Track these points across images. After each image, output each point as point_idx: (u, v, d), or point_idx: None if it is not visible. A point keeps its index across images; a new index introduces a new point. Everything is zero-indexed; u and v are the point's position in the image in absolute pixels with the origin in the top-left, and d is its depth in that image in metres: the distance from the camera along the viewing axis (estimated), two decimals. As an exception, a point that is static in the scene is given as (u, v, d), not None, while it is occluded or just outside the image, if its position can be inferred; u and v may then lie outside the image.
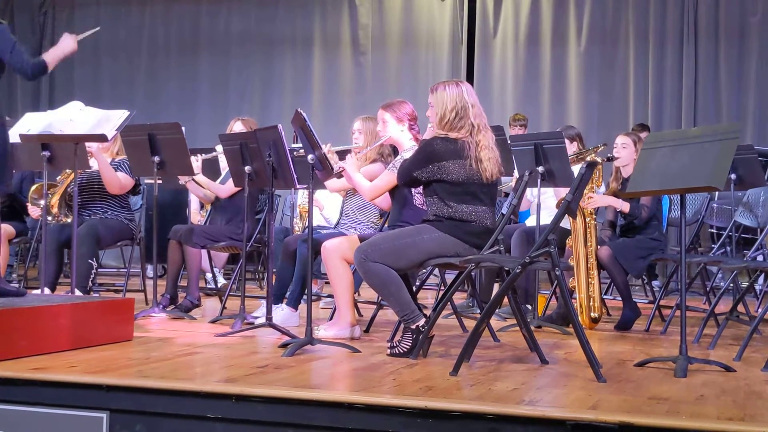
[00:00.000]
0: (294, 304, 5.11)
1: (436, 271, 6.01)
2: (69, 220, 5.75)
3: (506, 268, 4.27)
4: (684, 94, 9.27)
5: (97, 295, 5.87)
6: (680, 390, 3.36)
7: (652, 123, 9.09)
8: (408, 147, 4.83)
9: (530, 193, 5.76)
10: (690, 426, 2.75)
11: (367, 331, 4.97)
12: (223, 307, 5.61)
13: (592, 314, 5.33)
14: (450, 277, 5.78)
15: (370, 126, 5.24)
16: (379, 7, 10.28)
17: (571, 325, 4.63)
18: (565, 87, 9.65)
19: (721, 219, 7.41)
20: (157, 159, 5.41)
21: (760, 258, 5.67)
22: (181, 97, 10.72)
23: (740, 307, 5.36)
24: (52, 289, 5.58)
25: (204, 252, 6.26)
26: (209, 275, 7.43)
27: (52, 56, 4.66)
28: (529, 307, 5.43)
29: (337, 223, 5.59)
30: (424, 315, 4.15)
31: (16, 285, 5.69)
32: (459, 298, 6.24)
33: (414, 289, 4.70)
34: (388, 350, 4.09)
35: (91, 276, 5.59)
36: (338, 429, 3.00)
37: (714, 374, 3.77)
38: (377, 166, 5.07)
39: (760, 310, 5.24)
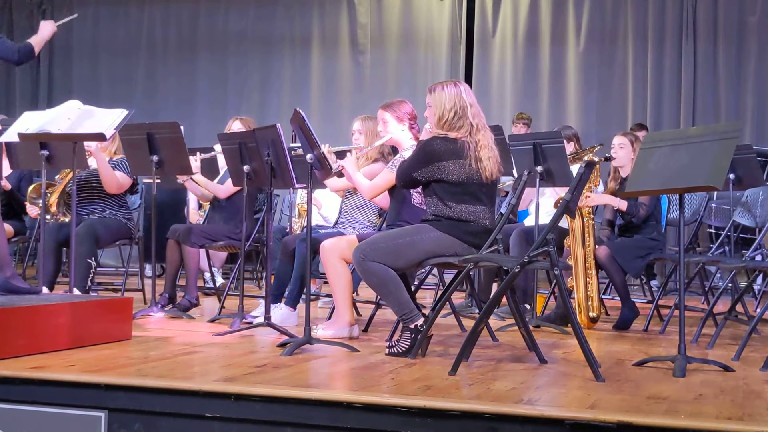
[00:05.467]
0: (292, 304, 5.10)
1: (435, 270, 6.00)
2: (67, 219, 5.75)
3: (505, 268, 4.28)
4: (683, 94, 9.28)
5: (96, 294, 5.86)
6: (679, 389, 3.36)
7: (651, 122, 9.10)
8: (408, 146, 4.83)
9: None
10: (689, 425, 2.75)
11: (365, 330, 4.97)
12: (222, 307, 5.61)
13: (591, 314, 5.34)
14: (449, 276, 5.79)
15: (369, 126, 5.23)
16: (377, 6, 10.28)
17: (569, 325, 4.63)
18: (563, 86, 9.65)
19: (719, 219, 7.41)
20: (155, 158, 5.40)
21: (758, 258, 5.68)
22: (180, 96, 10.72)
23: (739, 307, 5.36)
24: (51, 288, 5.57)
25: (202, 251, 6.26)
26: (208, 275, 7.43)
27: (36, 41, 5.10)
28: (528, 306, 5.43)
29: (336, 223, 5.59)
30: (423, 314, 4.15)
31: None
32: (458, 297, 6.24)
33: (413, 288, 4.70)
34: (387, 350, 4.09)
35: (90, 275, 5.59)
36: (337, 428, 3.00)
37: (713, 374, 3.77)
38: (379, 165, 5.07)
39: (758, 309, 5.24)
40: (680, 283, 3.94)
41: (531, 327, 4.47)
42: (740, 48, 9.20)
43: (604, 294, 6.52)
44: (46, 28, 5.37)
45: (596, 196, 5.50)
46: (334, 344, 4.22)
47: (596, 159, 5.41)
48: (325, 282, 5.98)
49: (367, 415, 2.97)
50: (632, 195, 5.03)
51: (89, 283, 5.60)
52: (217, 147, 5.75)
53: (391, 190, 4.82)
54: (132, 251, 6.36)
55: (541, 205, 5.50)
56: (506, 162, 5.36)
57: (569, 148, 5.93)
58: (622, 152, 5.59)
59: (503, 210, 5.97)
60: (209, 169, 6.11)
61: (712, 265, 5.98)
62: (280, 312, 5.04)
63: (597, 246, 5.37)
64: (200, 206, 7.06)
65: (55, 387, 3.28)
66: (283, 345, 4.17)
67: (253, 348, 4.30)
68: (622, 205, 5.41)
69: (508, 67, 9.84)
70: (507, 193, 6.97)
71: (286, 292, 5.16)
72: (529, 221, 5.97)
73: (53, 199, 5.81)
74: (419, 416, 2.93)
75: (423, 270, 5.41)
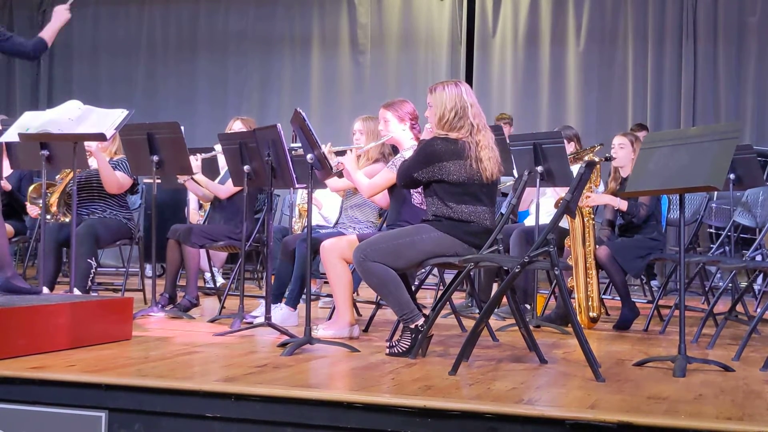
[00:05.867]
0: (293, 304, 5.10)
1: (435, 270, 6.01)
2: (68, 220, 5.75)
3: (505, 268, 4.28)
4: (683, 94, 9.27)
5: (96, 294, 5.86)
6: (679, 389, 3.36)
7: (651, 123, 9.10)
8: (408, 146, 4.83)
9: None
10: (689, 425, 2.75)
11: (366, 330, 4.97)
12: (222, 307, 5.61)
13: (591, 314, 5.34)
14: (449, 276, 5.79)
15: (370, 126, 5.23)
16: (377, 6, 10.27)
17: (570, 325, 4.63)
18: (563, 87, 9.65)
19: (719, 219, 7.41)
20: (156, 158, 5.40)
21: (758, 258, 5.68)
22: (180, 96, 10.71)
23: (739, 307, 5.36)
24: (51, 289, 5.57)
25: (203, 251, 6.26)
26: (208, 275, 7.43)
27: (49, 32, 5.04)
28: (528, 306, 5.43)
29: (336, 223, 5.59)
30: (423, 314, 4.15)
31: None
32: (458, 297, 6.24)
33: (413, 288, 4.70)
34: (387, 350, 4.09)
35: (90, 275, 5.59)
36: (337, 428, 3.00)
37: (713, 374, 3.77)
38: (379, 165, 5.06)
39: (758, 309, 5.24)
40: (680, 283, 3.94)
41: (531, 327, 4.47)
42: (740, 48, 9.19)
43: (604, 294, 6.52)
44: (62, 15, 5.13)
45: (597, 196, 5.50)
46: (334, 344, 4.22)
47: (596, 159, 5.41)
48: (326, 282, 5.99)
49: (367, 415, 2.97)
50: (632, 195, 5.03)
51: (89, 283, 5.60)
52: (218, 147, 5.75)
53: (391, 190, 4.83)
54: (132, 251, 6.36)
55: (542, 205, 5.50)
56: (506, 162, 5.36)
57: (570, 148, 5.93)
58: (623, 152, 5.59)
59: (503, 210, 5.98)
60: (210, 169, 6.12)
61: (713, 265, 5.98)
62: (280, 312, 5.04)
63: (597, 246, 5.37)
64: (201, 206, 7.06)
65: (56, 387, 3.28)
66: (283, 345, 4.17)
67: (254, 348, 4.30)
68: (623, 205, 5.41)
69: (508, 68, 9.84)
70: (505, 194, 6.96)
71: (287, 292, 5.16)
72: (529, 221, 5.97)
73: (53, 199, 5.81)
74: (419, 416, 2.93)
75: (423, 270, 5.41)
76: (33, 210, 6.10)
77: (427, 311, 4.31)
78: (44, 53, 5.03)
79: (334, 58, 10.39)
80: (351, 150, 4.85)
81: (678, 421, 2.80)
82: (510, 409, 2.92)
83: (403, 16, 10.21)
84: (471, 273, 4.75)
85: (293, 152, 4.89)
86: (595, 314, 5.35)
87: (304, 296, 4.67)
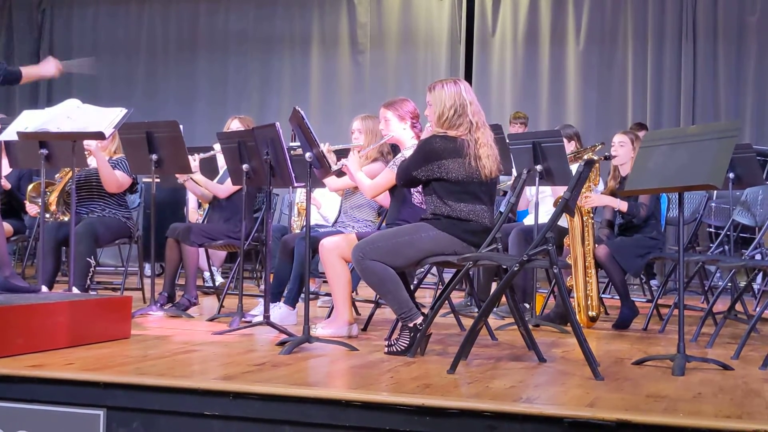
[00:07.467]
0: (292, 303, 5.10)
1: (434, 269, 6.00)
2: (67, 218, 5.75)
3: (504, 267, 4.28)
4: (682, 94, 9.27)
5: (95, 293, 5.86)
6: (678, 388, 3.36)
7: (651, 122, 9.10)
8: (409, 146, 4.82)
9: (528, 191, 5.76)
10: (688, 424, 2.74)
11: (364, 329, 4.97)
12: (221, 306, 5.61)
13: (590, 313, 5.34)
14: (448, 275, 5.79)
15: (369, 125, 5.23)
16: (377, 5, 10.28)
17: (569, 324, 4.63)
18: (563, 86, 9.65)
19: (719, 218, 7.40)
20: (155, 157, 5.40)
21: (758, 257, 5.67)
22: (179, 96, 10.71)
23: (738, 306, 5.36)
24: (50, 287, 5.56)
25: (202, 250, 6.26)
26: (207, 274, 7.43)
27: (28, 72, 5.00)
28: (527, 305, 5.43)
29: (335, 222, 5.59)
30: (422, 313, 4.15)
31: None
32: (457, 296, 6.25)
33: (412, 287, 4.70)
34: (386, 348, 4.09)
35: (89, 274, 5.59)
36: (336, 426, 3.00)
37: (712, 372, 3.77)
38: (378, 165, 5.07)
39: (757, 308, 5.24)
40: (680, 282, 3.94)
41: (530, 326, 4.47)
42: (740, 48, 9.20)
43: (603, 293, 6.52)
44: (48, 70, 5.18)
45: (596, 197, 5.49)
46: (333, 343, 4.22)
47: (595, 158, 5.41)
48: (325, 281, 5.97)
49: (366, 414, 2.97)
50: (632, 194, 5.03)
51: (88, 281, 5.60)
52: (217, 146, 5.75)
53: (393, 190, 4.82)
54: (131, 250, 6.36)
55: (540, 204, 5.49)
56: (506, 161, 5.36)
57: (570, 147, 5.93)
58: (623, 150, 5.58)
59: (502, 209, 5.97)
60: (209, 168, 6.11)
61: (712, 264, 5.97)
62: (279, 311, 5.04)
63: (596, 245, 5.37)
64: (200, 205, 7.06)
65: (54, 385, 3.28)
66: (282, 344, 4.17)
67: (252, 347, 4.30)
68: (623, 206, 5.40)
69: (508, 67, 9.84)
70: (505, 192, 6.96)
71: (285, 291, 5.16)
72: (528, 220, 5.97)
73: (53, 198, 5.81)
74: (418, 414, 2.93)
75: (422, 269, 5.41)
76: (32, 209, 6.10)
77: (425, 310, 4.31)
78: (10, 84, 5.02)
79: (334, 58, 10.39)
80: (353, 151, 4.85)
81: (677, 419, 2.80)
82: (509, 407, 2.91)
83: (402, 16, 10.21)
84: (470, 272, 4.74)
85: (292, 152, 4.89)
86: (594, 313, 5.35)
87: (302, 295, 4.67)
